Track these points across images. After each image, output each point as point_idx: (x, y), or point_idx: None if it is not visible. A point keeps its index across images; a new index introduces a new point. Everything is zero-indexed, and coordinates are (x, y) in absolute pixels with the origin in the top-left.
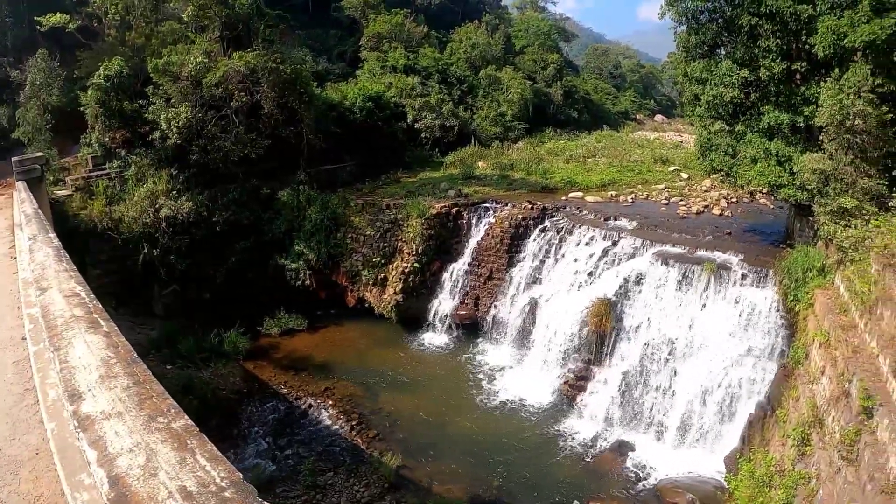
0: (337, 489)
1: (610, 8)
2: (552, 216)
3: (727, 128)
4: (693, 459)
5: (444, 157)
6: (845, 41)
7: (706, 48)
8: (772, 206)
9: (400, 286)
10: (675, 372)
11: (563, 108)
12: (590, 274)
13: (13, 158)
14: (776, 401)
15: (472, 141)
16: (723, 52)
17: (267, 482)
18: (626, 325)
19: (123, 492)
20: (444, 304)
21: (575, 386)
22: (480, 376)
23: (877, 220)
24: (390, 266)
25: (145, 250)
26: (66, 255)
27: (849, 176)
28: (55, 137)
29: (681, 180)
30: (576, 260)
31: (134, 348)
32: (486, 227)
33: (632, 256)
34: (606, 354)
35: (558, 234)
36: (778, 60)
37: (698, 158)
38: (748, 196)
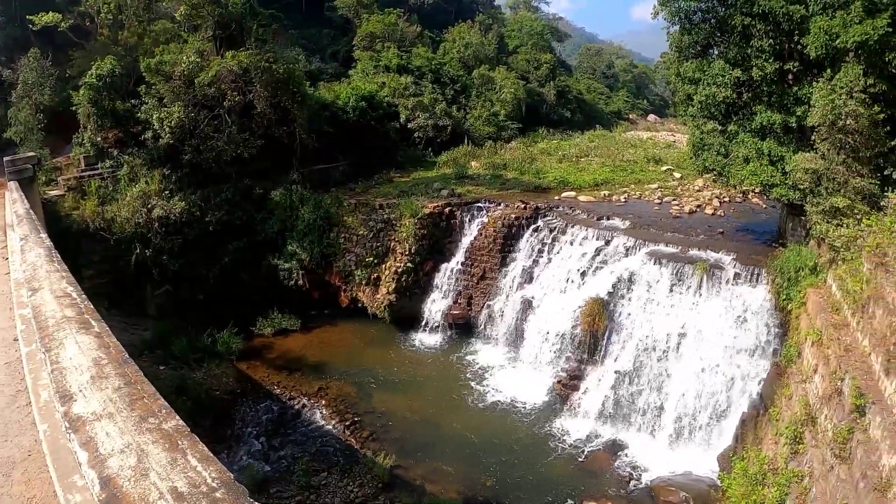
0: (331, 489)
1: (603, 8)
2: (545, 216)
3: (720, 127)
4: (686, 458)
5: (438, 157)
6: (837, 41)
7: (699, 48)
8: (764, 206)
9: (393, 286)
10: (668, 371)
11: (556, 108)
12: (583, 273)
13: (5, 158)
14: (769, 399)
15: (466, 140)
16: (715, 52)
17: (261, 482)
18: (619, 324)
19: (115, 493)
20: (437, 303)
21: (568, 385)
22: (474, 376)
23: (868, 219)
24: (383, 266)
25: (138, 250)
26: (58, 255)
27: (841, 175)
28: (47, 137)
29: (673, 180)
30: (569, 259)
31: (127, 349)
32: (479, 226)
33: (625, 256)
34: (599, 354)
35: (551, 233)
36: (770, 60)
37: (691, 158)
38: (741, 195)
